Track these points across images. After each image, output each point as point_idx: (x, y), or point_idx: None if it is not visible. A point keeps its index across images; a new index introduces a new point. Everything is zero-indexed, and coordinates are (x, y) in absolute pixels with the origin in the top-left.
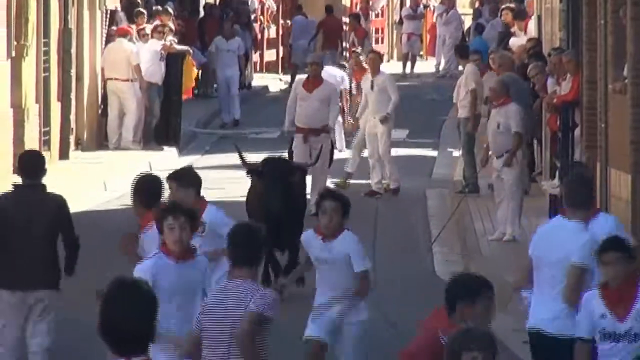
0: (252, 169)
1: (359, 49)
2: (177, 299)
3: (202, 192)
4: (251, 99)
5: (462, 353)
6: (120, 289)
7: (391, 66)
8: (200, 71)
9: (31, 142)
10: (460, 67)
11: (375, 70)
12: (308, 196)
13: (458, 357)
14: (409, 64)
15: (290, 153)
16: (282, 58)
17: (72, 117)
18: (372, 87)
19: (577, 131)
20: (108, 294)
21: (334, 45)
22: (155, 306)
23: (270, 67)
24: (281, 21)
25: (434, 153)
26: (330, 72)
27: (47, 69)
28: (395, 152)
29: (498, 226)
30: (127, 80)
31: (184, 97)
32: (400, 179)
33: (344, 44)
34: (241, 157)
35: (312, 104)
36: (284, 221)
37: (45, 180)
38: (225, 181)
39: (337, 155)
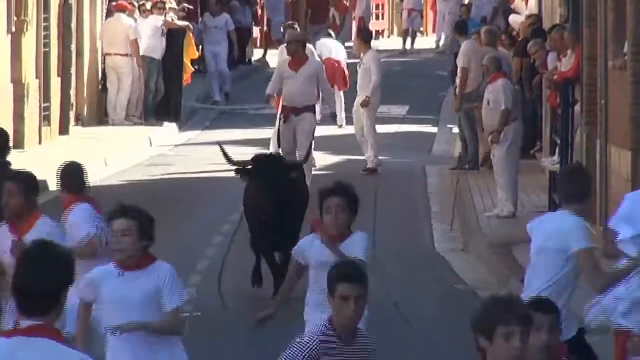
0: (240, 168)
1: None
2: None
3: (204, 169)
4: (251, 74)
5: (497, 326)
6: (33, 249)
7: (392, 42)
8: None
9: (31, 117)
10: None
11: (362, 48)
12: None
13: (491, 330)
14: (409, 40)
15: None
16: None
17: (72, 92)
18: (360, 65)
19: (577, 108)
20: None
21: (322, 20)
22: (62, 270)
23: (271, 43)
24: None
25: (434, 130)
26: (328, 45)
27: (47, 45)
28: (396, 128)
29: (497, 203)
30: (126, 55)
31: (185, 83)
32: (389, 157)
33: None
34: (226, 156)
35: (298, 83)
36: (281, 222)
37: (45, 155)
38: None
39: (339, 131)
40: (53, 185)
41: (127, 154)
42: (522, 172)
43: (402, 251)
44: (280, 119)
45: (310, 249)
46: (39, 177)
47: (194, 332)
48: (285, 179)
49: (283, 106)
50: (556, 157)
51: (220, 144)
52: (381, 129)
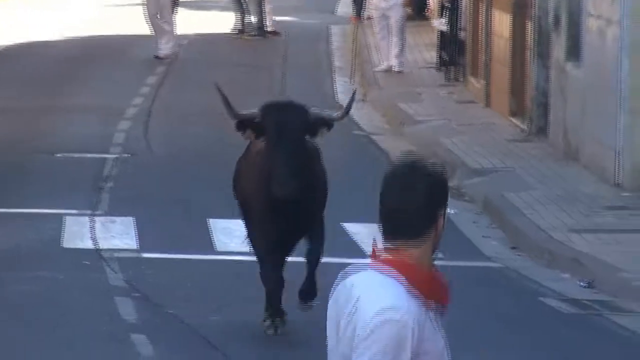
0: (244, 119)
1: None
2: None
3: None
4: None
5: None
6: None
7: None
8: None
9: None
10: None
11: None
12: None
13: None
14: None
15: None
16: None
17: None
18: None
19: None
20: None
21: None
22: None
23: None
24: None
25: None
26: None
27: None
28: None
29: (383, 60)
30: None
31: None
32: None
33: None
34: (227, 104)
35: None
36: (299, 211)
37: None
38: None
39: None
40: None
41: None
42: (414, 32)
43: (308, 101)
44: None
45: None
46: None
47: (121, 172)
48: (312, 140)
49: None
50: (444, 19)
51: (219, 87)
52: None
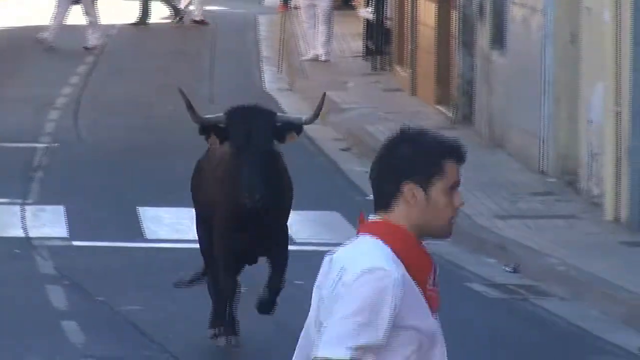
0: (208, 125)
1: None
2: None
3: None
4: None
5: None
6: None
7: None
8: None
9: None
10: None
11: None
12: None
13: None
14: None
15: None
16: None
17: None
18: None
19: None
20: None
21: None
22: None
23: None
24: None
25: None
26: None
27: None
28: None
29: (310, 49)
30: None
31: None
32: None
33: None
34: (189, 106)
35: None
36: (265, 219)
37: None
38: None
39: None
40: None
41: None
42: (341, 21)
43: (236, 90)
44: None
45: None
46: None
47: (51, 161)
48: (275, 144)
49: None
50: (369, 8)
51: (182, 91)
52: None
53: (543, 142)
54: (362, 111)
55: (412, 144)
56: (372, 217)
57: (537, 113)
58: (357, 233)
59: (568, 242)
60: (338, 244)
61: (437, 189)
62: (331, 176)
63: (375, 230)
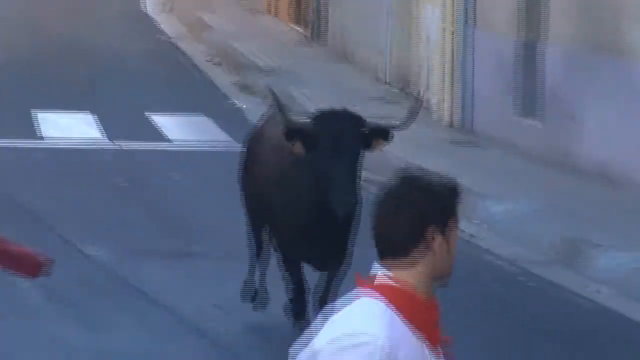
0: (296, 129)
1: None
2: None
3: None
4: None
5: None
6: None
7: None
8: None
9: None
10: None
11: None
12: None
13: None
14: None
15: None
16: None
17: None
18: None
19: None
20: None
21: None
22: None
23: None
24: None
25: None
26: None
27: None
28: None
29: None
30: None
31: None
32: None
33: None
34: (281, 109)
35: None
36: (341, 227)
37: None
38: None
39: None
40: None
41: None
42: None
43: (122, 13)
44: None
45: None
46: None
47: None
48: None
49: None
50: None
51: (273, 91)
52: None
53: (385, 55)
54: (228, 30)
55: (423, 189)
56: (377, 267)
57: (380, 28)
58: (358, 289)
59: (406, 140)
60: (207, 142)
61: (452, 232)
62: (202, 85)
63: (376, 286)
